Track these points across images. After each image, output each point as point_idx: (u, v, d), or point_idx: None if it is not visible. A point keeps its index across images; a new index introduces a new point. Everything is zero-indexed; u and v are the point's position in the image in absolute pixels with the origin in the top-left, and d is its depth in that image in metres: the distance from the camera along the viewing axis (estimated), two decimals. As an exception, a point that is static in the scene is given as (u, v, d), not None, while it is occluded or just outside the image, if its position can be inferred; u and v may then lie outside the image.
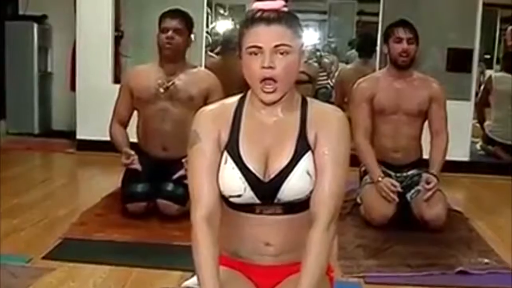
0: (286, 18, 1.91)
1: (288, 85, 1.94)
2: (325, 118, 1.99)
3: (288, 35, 1.90)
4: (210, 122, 2.00)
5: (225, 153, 1.97)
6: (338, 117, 2.00)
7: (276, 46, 1.88)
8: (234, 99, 2.06)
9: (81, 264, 3.36)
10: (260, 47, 1.88)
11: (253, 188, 1.92)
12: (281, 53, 1.88)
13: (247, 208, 1.97)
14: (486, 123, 6.83)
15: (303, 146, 1.95)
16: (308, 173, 1.93)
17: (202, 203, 1.94)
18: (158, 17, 4.22)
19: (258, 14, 1.91)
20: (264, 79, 1.89)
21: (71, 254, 3.48)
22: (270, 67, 1.87)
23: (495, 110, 6.77)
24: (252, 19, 1.91)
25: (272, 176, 1.94)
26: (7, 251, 3.47)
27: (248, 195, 1.93)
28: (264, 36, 1.88)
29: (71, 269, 3.29)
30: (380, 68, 5.58)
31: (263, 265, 2.02)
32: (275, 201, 1.95)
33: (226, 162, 1.96)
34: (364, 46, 7.07)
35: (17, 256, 3.40)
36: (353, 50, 8.69)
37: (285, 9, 1.94)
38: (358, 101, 4.28)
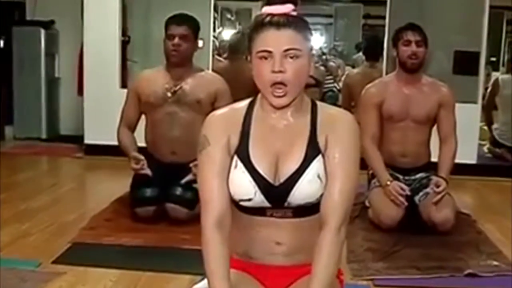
0: (296, 22, 1.91)
1: (298, 89, 1.94)
2: (335, 121, 1.99)
3: (298, 39, 1.90)
4: (220, 126, 2.01)
5: (235, 157, 1.97)
6: (348, 120, 2.01)
7: (286, 50, 1.88)
8: (243, 103, 2.07)
9: (91, 268, 3.37)
10: (270, 52, 1.88)
11: (263, 192, 1.93)
12: (291, 57, 1.89)
13: (258, 211, 1.97)
14: (494, 126, 6.83)
15: (313, 150, 1.95)
16: (319, 177, 1.93)
17: (213, 207, 1.95)
18: (164, 22, 4.22)
19: (268, 18, 1.91)
20: (275, 83, 1.89)
21: (81, 259, 3.49)
22: (280, 71, 1.88)
23: (502, 113, 6.77)
24: (261, 24, 1.92)
25: (283, 180, 1.94)
26: (17, 256, 3.48)
27: (258, 199, 1.94)
28: (274, 40, 1.89)
29: (81, 273, 3.30)
30: (387, 72, 5.58)
31: (275, 266, 2.03)
32: (286, 204, 1.95)
33: (236, 166, 1.96)
34: (371, 49, 7.06)
35: (26, 261, 3.41)
36: (360, 53, 8.70)
37: (294, 13, 1.94)
38: (366, 107, 4.28)
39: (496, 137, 6.73)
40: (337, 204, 1.92)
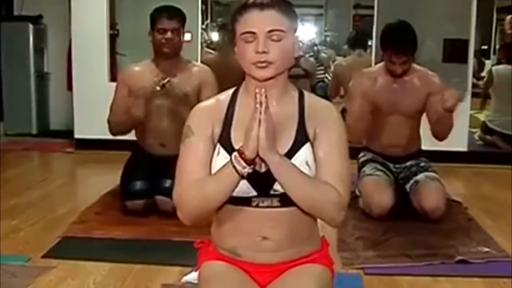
0: (279, 3, 1.92)
1: (283, 67, 1.94)
2: (323, 114, 2.00)
3: (282, 20, 1.91)
4: (204, 117, 2.01)
5: (218, 145, 1.96)
6: (334, 114, 2.02)
7: (270, 31, 1.88)
8: (227, 93, 2.07)
9: (81, 261, 3.37)
10: (254, 33, 1.89)
11: (248, 178, 1.88)
12: (275, 40, 1.89)
13: (243, 201, 1.94)
14: (486, 113, 6.84)
15: (302, 138, 1.95)
16: (307, 164, 1.92)
17: (191, 179, 1.94)
18: (151, 14, 4.17)
19: (251, 0, 1.92)
20: (258, 62, 1.90)
21: (71, 252, 3.49)
22: (264, 52, 1.88)
23: (495, 101, 6.80)
24: (245, 5, 1.92)
25: (269, 166, 1.92)
26: (7, 251, 3.47)
27: (243, 186, 1.90)
28: (258, 21, 1.89)
29: (71, 267, 3.30)
30: (376, 62, 5.56)
31: (262, 264, 2.00)
32: (271, 192, 1.92)
33: (218, 153, 1.95)
34: (356, 41, 7.16)
35: (16, 256, 3.40)
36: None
37: None
38: (354, 98, 4.22)
39: (488, 124, 6.74)
40: (337, 184, 1.92)
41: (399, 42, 4.06)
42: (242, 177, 1.85)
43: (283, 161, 1.85)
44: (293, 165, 1.88)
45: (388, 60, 4.11)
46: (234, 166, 1.83)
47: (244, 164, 1.82)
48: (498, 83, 6.74)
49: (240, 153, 1.82)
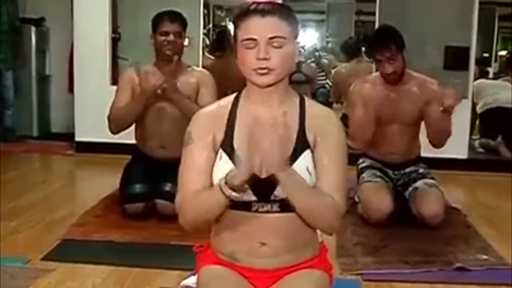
0: (281, 10, 1.93)
1: (284, 73, 1.95)
2: (324, 120, 2.01)
3: (283, 26, 1.91)
4: (205, 123, 2.02)
5: (220, 150, 1.97)
6: (334, 120, 2.04)
7: (271, 38, 1.89)
8: (229, 98, 2.07)
9: (80, 264, 3.38)
10: (255, 39, 1.89)
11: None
12: (276, 46, 1.89)
13: (243, 205, 1.94)
14: (478, 105, 6.96)
15: (302, 144, 1.95)
16: (308, 170, 1.93)
17: (190, 189, 1.96)
18: (153, 18, 4.20)
19: (253, 6, 1.92)
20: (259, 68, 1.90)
21: (70, 255, 3.50)
22: (265, 59, 1.88)
23: (485, 90, 6.99)
24: (246, 12, 1.93)
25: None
26: (6, 253, 3.47)
27: None
28: (259, 28, 1.89)
29: (70, 269, 3.30)
30: (377, 69, 5.56)
31: (261, 269, 2.01)
32: (272, 198, 1.93)
33: (221, 158, 1.96)
34: (354, 48, 7.20)
35: (15, 258, 3.40)
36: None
37: (280, 1, 1.96)
38: (354, 107, 4.22)
39: (484, 108, 6.89)
40: (333, 193, 1.95)
41: (380, 38, 4.14)
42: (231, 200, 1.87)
43: (291, 172, 1.87)
44: (298, 174, 1.89)
45: (377, 61, 4.12)
46: (223, 192, 1.85)
47: (231, 192, 1.84)
48: (482, 92, 6.94)
49: (226, 182, 1.84)
